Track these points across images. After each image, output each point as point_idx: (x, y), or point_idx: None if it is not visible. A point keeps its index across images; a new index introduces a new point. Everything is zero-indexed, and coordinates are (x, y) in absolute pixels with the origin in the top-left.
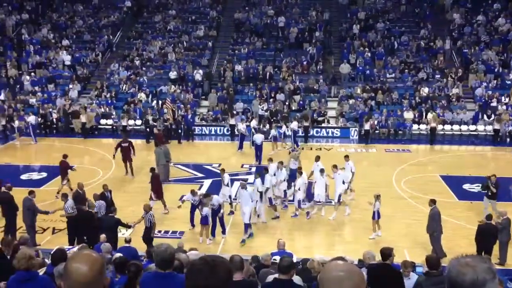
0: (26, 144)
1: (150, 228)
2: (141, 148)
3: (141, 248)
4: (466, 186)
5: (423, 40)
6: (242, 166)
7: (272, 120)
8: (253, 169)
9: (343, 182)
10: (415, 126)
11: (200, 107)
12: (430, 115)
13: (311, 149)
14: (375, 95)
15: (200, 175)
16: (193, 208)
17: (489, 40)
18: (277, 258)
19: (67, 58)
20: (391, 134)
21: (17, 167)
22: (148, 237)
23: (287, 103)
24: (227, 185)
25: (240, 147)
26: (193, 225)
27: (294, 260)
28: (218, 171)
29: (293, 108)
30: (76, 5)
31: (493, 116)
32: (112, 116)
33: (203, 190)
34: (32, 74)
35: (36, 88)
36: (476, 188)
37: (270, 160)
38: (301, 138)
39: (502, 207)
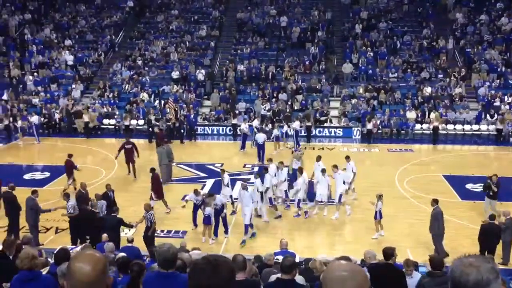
0: (29, 144)
1: (150, 227)
2: (144, 148)
3: (143, 248)
4: (469, 186)
5: (426, 39)
6: (244, 166)
7: (274, 120)
8: (256, 168)
9: (344, 182)
10: (417, 126)
11: (203, 107)
12: (432, 115)
13: (313, 149)
14: (378, 95)
15: (202, 174)
16: (196, 208)
17: (492, 40)
18: (280, 258)
19: (69, 58)
20: (393, 133)
21: (20, 167)
22: (146, 236)
23: (289, 103)
24: (227, 185)
25: (243, 147)
26: (195, 225)
27: (297, 260)
28: (220, 171)
29: (296, 108)
30: (79, 5)
31: (496, 115)
32: (116, 116)
33: (206, 190)
34: (35, 74)
35: (39, 88)
36: (479, 188)
37: (270, 160)
38: (304, 138)
39: (504, 207)
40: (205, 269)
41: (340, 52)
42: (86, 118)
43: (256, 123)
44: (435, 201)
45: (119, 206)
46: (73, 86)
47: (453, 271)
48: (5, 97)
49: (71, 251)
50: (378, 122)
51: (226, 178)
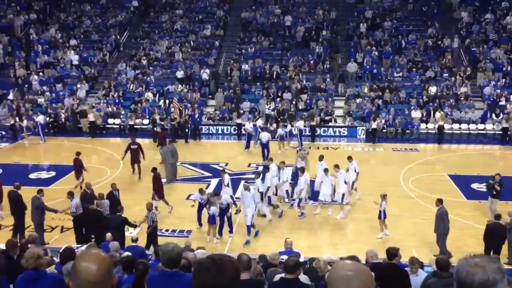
0: (34, 143)
1: (151, 226)
2: (149, 148)
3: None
4: (474, 186)
5: (431, 38)
6: (249, 165)
7: (279, 119)
8: (260, 168)
9: (345, 182)
10: (422, 125)
11: (207, 106)
12: (438, 114)
13: (318, 148)
14: (383, 94)
15: (207, 174)
16: (201, 207)
17: (498, 39)
18: (285, 257)
19: (75, 58)
20: (398, 133)
21: (26, 166)
22: (147, 235)
23: (294, 102)
24: (227, 185)
25: (247, 146)
26: (200, 224)
27: (302, 259)
28: (220, 171)
29: (300, 107)
30: (84, 5)
31: (501, 115)
32: (121, 116)
33: (210, 189)
34: (40, 74)
35: (45, 87)
36: (484, 187)
37: (271, 159)
38: (308, 137)
39: (509, 206)
40: (210, 268)
41: (345, 51)
42: (91, 117)
43: (260, 122)
44: (439, 201)
45: (124, 206)
46: (78, 85)
47: (458, 271)
48: (11, 96)
49: (76, 250)
50: (383, 121)
51: (226, 178)
